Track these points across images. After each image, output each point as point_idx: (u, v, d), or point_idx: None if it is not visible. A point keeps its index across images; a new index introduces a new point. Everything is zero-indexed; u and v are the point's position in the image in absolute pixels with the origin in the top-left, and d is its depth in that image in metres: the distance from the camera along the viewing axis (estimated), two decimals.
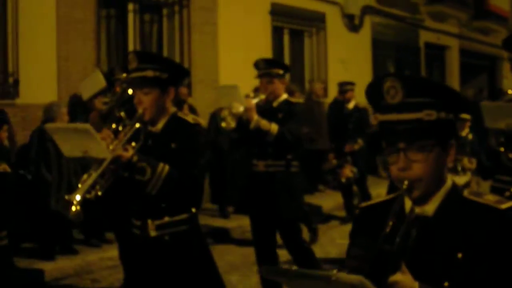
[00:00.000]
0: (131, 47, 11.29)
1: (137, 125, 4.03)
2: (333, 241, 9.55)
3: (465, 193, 2.33)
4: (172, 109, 4.16)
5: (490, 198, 2.28)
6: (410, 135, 2.26)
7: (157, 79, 4.00)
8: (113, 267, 8.09)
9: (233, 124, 6.29)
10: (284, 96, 6.55)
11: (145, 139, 4.08)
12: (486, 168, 5.06)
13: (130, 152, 3.83)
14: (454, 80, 21.70)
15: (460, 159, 9.45)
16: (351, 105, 11.67)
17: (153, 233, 4.07)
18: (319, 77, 14.95)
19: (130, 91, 5.44)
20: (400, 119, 2.27)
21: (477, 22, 22.41)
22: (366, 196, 11.23)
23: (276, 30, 14.28)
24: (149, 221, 4.06)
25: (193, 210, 4.18)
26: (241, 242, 9.18)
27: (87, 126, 3.95)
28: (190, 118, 4.15)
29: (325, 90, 13.86)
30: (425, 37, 19.74)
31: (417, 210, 2.34)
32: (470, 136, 9.50)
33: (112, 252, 8.31)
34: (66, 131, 4.02)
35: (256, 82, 11.93)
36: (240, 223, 9.94)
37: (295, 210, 6.56)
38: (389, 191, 8.12)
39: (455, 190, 2.35)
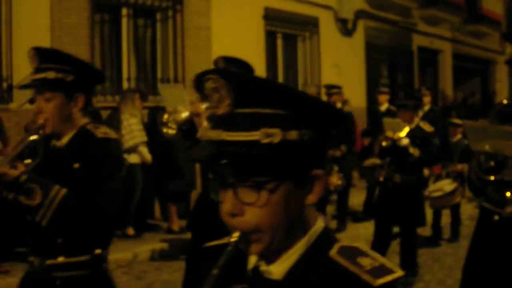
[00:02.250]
0: (125, 52, 11.32)
1: (34, 137, 3.30)
2: None
3: (333, 251, 1.56)
4: (83, 120, 3.42)
5: (365, 263, 1.53)
6: (241, 165, 1.50)
7: (61, 82, 3.28)
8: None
9: (173, 130, 5.35)
10: None
11: (45, 156, 3.34)
12: (477, 187, 4.46)
13: (18, 170, 3.08)
14: (447, 84, 21.77)
15: (447, 165, 9.43)
16: None
17: (45, 274, 3.30)
18: (312, 81, 14.99)
19: None
20: (226, 140, 1.51)
21: (470, 26, 22.50)
22: (344, 207, 10.94)
23: (269, 35, 14.31)
24: (43, 259, 3.31)
25: (98, 251, 3.35)
26: None
27: None
28: (99, 131, 3.35)
29: (319, 94, 13.88)
30: (418, 41, 19.81)
31: (263, 268, 1.62)
32: (465, 142, 9.31)
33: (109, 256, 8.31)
34: None
35: None
36: None
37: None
38: (366, 203, 8.07)
39: (321, 245, 1.59)
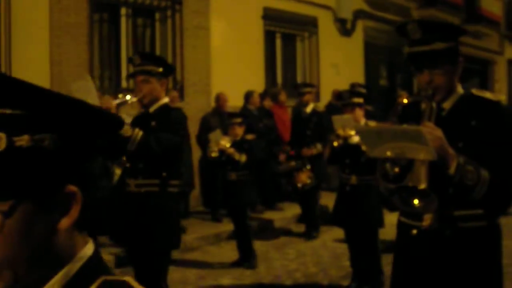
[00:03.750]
0: (123, 51, 11.32)
1: None
2: (325, 244, 9.57)
3: (93, 287, 1.29)
4: None
5: None
6: None
7: None
8: None
9: None
10: (164, 100, 5.41)
11: None
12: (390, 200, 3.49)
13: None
14: None
15: None
16: (308, 108, 10.68)
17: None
18: (311, 81, 14.99)
19: None
20: None
21: (469, 26, 22.43)
22: (312, 210, 10.32)
23: (268, 34, 14.32)
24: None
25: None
26: (233, 246, 9.20)
27: None
28: None
29: (317, 94, 13.89)
30: None
31: None
32: None
33: (104, 257, 8.31)
34: None
35: (250, 86, 12.04)
36: (232, 227, 9.97)
37: (168, 240, 5.34)
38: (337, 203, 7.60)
39: (83, 279, 1.30)
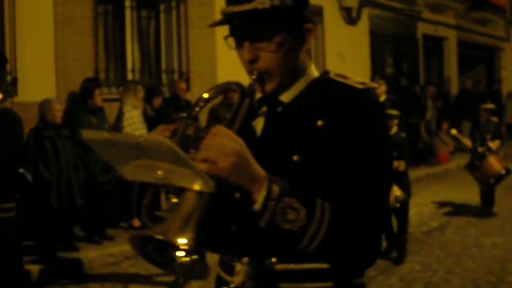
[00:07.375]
0: (128, 43, 11.28)
1: None
2: None
3: None
4: None
5: None
6: None
7: None
8: (114, 263, 8.10)
9: None
10: None
11: None
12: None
13: None
14: (452, 72, 21.70)
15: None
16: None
17: None
18: (317, 70, 14.94)
19: None
20: None
21: (475, 13, 22.39)
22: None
23: None
24: None
25: None
26: None
27: None
28: None
29: None
30: (422, 29, 19.72)
31: None
32: (403, 135, 8.34)
33: (113, 249, 8.32)
34: None
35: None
36: None
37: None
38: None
39: None
